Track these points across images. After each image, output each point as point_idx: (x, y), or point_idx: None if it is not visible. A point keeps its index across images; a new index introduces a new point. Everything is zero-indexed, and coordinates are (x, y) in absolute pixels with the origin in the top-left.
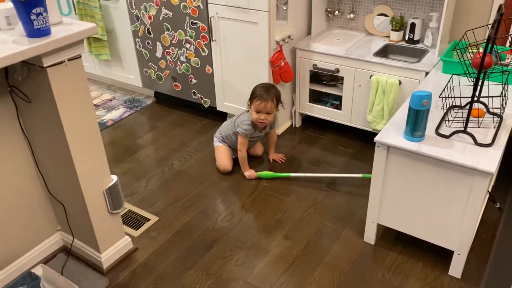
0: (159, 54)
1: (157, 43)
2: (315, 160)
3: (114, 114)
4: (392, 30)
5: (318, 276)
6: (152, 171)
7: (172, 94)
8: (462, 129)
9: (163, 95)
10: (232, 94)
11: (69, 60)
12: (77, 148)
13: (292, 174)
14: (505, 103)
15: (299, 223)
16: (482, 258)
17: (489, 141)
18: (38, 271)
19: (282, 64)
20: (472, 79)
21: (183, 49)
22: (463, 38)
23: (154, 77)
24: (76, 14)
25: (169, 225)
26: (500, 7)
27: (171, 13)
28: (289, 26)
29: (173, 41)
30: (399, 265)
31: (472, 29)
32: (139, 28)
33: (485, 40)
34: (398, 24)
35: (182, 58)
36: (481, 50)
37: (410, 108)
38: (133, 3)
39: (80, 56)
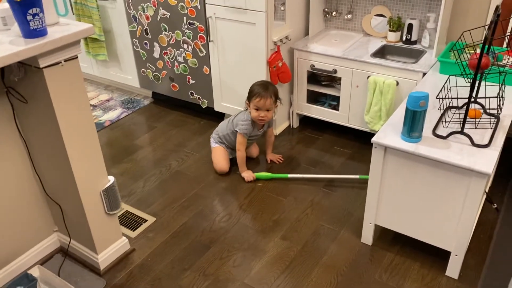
0: (156, 54)
1: (155, 43)
2: (312, 160)
3: (112, 115)
4: (390, 30)
5: (316, 277)
6: (149, 171)
7: (170, 95)
8: (459, 130)
9: (160, 96)
10: (229, 95)
11: (65, 60)
12: (73, 148)
13: (290, 175)
14: (502, 104)
15: (297, 224)
16: (479, 259)
17: (486, 142)
18: (35, 272)
19: (280, 64)
20: (469, 80)
21: (180, 49)
22: (460, 39)
23: (151, 78)
24: (73, 14)
25: (167, 226)
26: (497, 8)
27: (169, 14)
28: (286, 27)
29: (171, 42)
30: (397, 266)
31: (469, 30)
32: (137, 29)
33: (482, 41)
34: (396, 25)
35: (180, 59)
36: (478, 51)
37: (407, 109)
38: (130, 4)
39: (77, 57)
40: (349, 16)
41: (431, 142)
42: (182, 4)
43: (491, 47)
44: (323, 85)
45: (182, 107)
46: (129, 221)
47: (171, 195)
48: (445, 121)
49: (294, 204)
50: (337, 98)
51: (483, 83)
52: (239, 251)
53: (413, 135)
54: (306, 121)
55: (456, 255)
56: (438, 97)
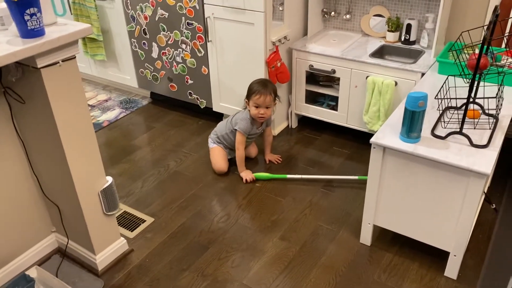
0: (155, 54)
1: (153, 43)
2: (311, 161)
3: (110, 115)
4: (388, 31)
5: (314, 278)
6: (148, 172)
7: (168, 95)
8: (458, 130)
9: (159, 96)
10: (228, 95)
11: (63, 61)
12: (71, 149)
13: (288, 176)
14: (501, 104)
15: (295, 224)
16: (478, 259)
17: (484, 142)
18: (33, 273)
19: (278, 64)
20: (467, 80)
21: (179, 49)
22: (459, 39)
23: (150, 78)
24: (71, 14)
25: (165, 227)
26: (495, 8)
27: (167, 14)
28: (285, 27)
29: (169, 42)
30: (395, 266)
31: (468, 30)
32: (135, 29)
33: (481, 41)
34: (394, 25)
35: (178, 59)
36: (477, 51)
37: (406, 109)
38: (128, 4)
39: (75, 57)
40: (348, 16)
41: (430, 143)
42: (180, 4)
43: (490, 47)
44: (321, 85)
45: (180, 107)
46: (127, 221)
47: (170, 196)
48: (444, 122)
49: (292, 204)
50: (335, 98)
51: (481, 83)
52: (238, 251)
53: (411, 135)
54: (305, 121)
55: (454, 256)
56: (436, 97)
